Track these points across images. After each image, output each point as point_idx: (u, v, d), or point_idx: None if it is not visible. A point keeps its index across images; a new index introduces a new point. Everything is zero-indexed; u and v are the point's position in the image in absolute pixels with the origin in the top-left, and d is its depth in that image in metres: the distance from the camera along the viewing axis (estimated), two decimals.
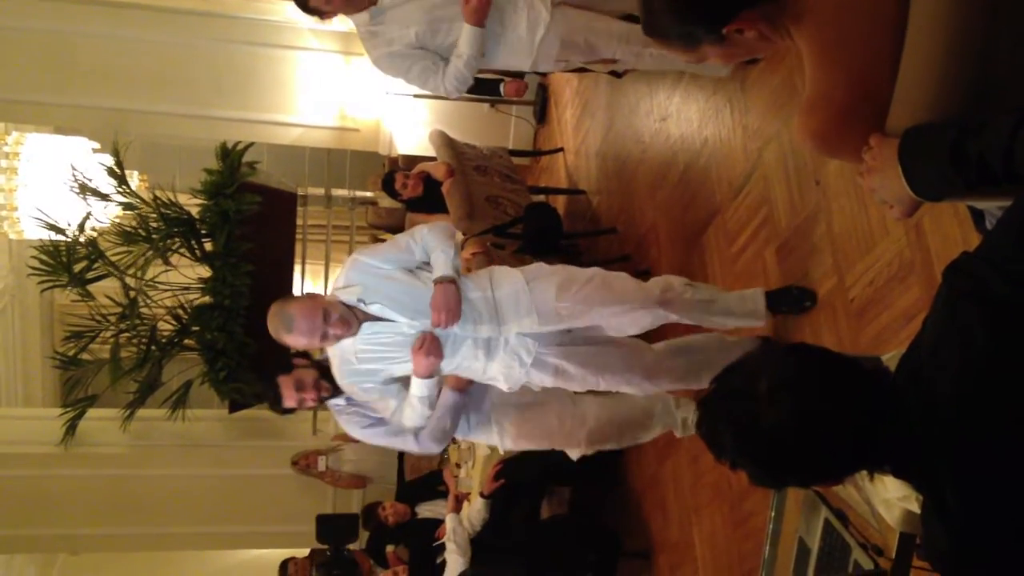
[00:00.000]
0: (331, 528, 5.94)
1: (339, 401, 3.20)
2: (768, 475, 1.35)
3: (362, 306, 2.93)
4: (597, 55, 3.67)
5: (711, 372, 1.44)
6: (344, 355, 2.97)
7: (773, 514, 2.22)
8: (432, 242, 3.02)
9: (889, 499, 1.66)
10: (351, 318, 2.90)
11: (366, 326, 2.94)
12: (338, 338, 2.89)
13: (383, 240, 7.02)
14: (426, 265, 3.04)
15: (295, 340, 2.89)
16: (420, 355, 2.90)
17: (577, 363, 3.14)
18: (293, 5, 3.47)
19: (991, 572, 1.22)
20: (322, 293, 4.80)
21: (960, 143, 1.33)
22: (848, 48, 1.45)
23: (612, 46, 3.59)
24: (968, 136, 1.33)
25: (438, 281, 2.93)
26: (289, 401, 3.12)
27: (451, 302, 2.90)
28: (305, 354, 3.20)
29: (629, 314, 3.11)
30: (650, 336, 3.38)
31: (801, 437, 1.27)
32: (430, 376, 2.96)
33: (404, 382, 3.04)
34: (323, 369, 3.12)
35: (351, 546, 5.92)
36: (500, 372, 3.08)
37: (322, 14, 3.39)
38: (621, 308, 3.09)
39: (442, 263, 2.96)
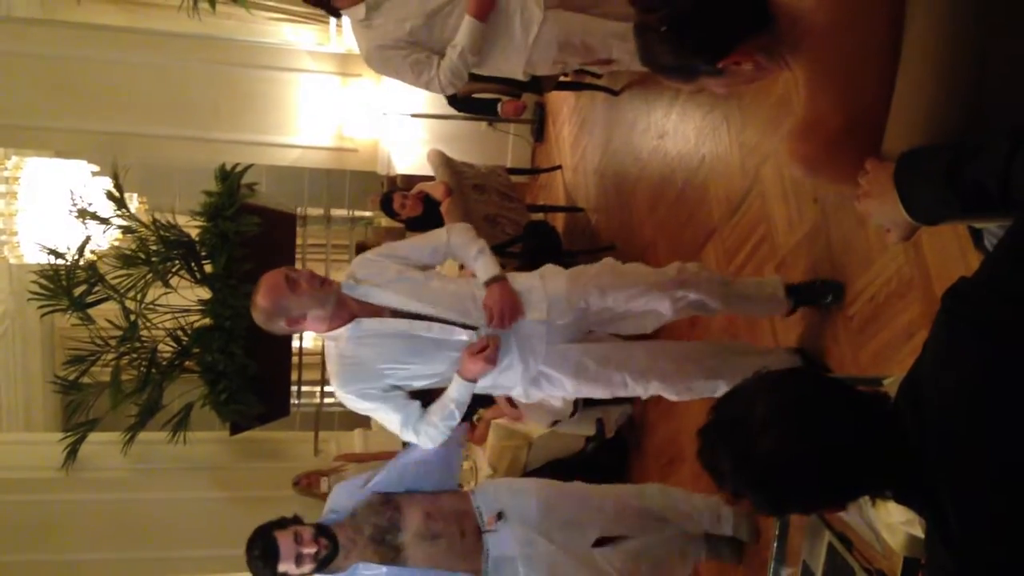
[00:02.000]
0: None
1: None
2: (769, 502, 1.34)
3: (360, 291, 2.78)
4: (594, 56, 3.67)
5: (740, 376, 1.43)
6: (339, 352, 2.77)
7: (777, 538, 2.21)
8: (461, 241, 2.92)
9: (893, 523, 1.65)
10: (326, 285, 2.72)
11: (368, 322, 2.76)
12: (315, 298, 2.68)
13: None
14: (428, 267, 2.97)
15: (278, 326, 2.74)
16: (478, 359, 2.71)
17: (597, 358, 2.94)
18: (290, 28, 3.50)
19: None
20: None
21: (956, 167, 1.33)
22: (843, 75, 1.45)
23: (609, 46, 3.59)
24: (964, 160, 1.33)
25: (491, 281, 2.82)
26: (286, 557, 2.86)
27: (511, 300, 2.79)
28: (297, 519, 3.00)
29: (645, 295, 2.94)
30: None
31: (798, 463, 1.27)
32: (475, 380, 2.78)
33: (406, 392, 2.85)
34: (321, 527, 2.97)
35: None
36: (518, 372, 2.88)
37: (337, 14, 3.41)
38: (636, 290, 2.94)
39: (486, 263, 2.86)
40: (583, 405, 4.14)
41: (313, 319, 2.72)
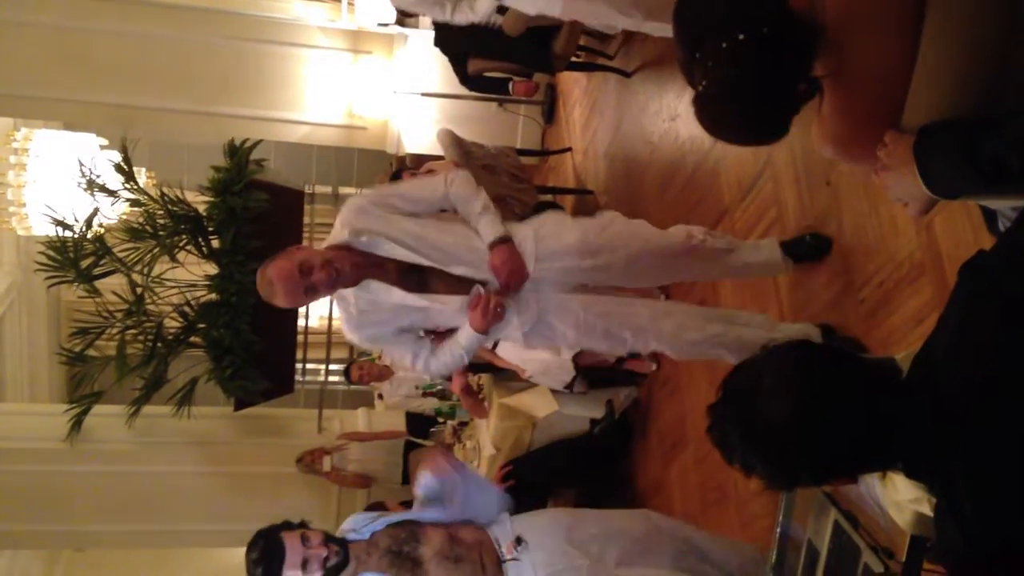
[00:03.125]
0: None
1: None
2: (779, 473, 1.33)
3: (364, 241, 2.75)
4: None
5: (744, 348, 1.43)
6: (347, 305, 2.81)
7: (781, 516, 2.20)
8: (464, 194, 2.87)
9: (900, 501, 1.64)
10: (344, 263, 2.71)
11: (376, 286, 2.76)
12: (327, 285, 2.69)
13: None
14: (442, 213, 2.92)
15: (284, 303, 2.74)
16: (479, 314, 2.71)
17: (598, 313, 2.92)
18: (300, 3, 3.44)
19: (1005, 573, 1.21)
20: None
21: (976, 141, 1.32)
22: (867, 54, 1.44)
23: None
24: (985, 134, 1.32)
25: (497, 243, 2.78)
26: (292, 560, 2.58)
27: (519, 264, 2.79)
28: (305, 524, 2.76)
29: (650, 256, 2.98)
30: None
31: (806, 431, 1.26)
32: (485, 332, 2.79)
33: (416, 333, 2.92)
34: (330, 535, 2.73)
35: None
36: (514, 323, 2.88)
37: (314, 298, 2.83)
38: (640, 253, 2.95)
39: (491, 222, 2.82)
40: (589, 386, 4.14)
41: (322, 295, 2.79)
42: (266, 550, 2.61)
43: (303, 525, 2.74)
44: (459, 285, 2.80)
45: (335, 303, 2.87)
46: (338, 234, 2.81)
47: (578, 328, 2.91)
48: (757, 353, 1.39)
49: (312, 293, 2.70)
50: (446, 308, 2.80)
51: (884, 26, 1.45)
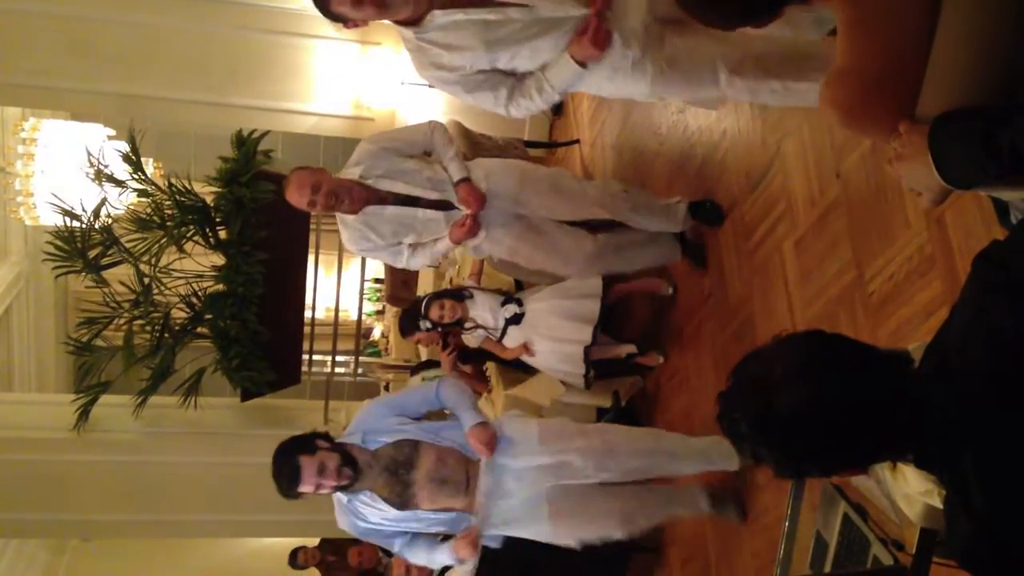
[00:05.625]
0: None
1: (342, 497, 3.20)
2: (788, 462, 1.33)
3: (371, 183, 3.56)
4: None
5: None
6: (345, 227, 3.68)
7: (790, 509, 2.19)
8: (441, 140, 3.73)
9: (910, 494, 1.63)
10: (348, 197, 3.53)
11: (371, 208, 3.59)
12: (323, 207, 3.55)
13: None
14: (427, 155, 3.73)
15: (289, 198, 3.59)
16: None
17: (530, 245, 3.90)
18: None
19: (1017, 565, 1.20)
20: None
21: (992, 130, 1.31)
22: (882, 21, 1.43)
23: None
24: (1000, 124, 1.30)
25: (461, 181, 3.63)
26: (307, 484, 3.04)
27: (477, 194, 3.63)
28: (327, 436, 3.19)
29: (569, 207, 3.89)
30: None
31: (817, 421, 1.26)
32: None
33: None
34: (345, 455, 3.12)
35: None
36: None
37: (346, 21, 2.69)
38: (564, 207, 3.89)
39: (458, 166, 3.67)
40: (595, 377, 4.13)
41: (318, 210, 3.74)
42: (285, 469, 3.04)
43: (323, 438, 3.14)
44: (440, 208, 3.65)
45: (339, 226, 3.71)
46: (351, 171, 3.60)
47: (511, 255, 3.97)
48: (770, 342, 1.39)
49: (311, 206, 3.56)
50: (431, 219, 3.64)
51: None
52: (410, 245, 3.75)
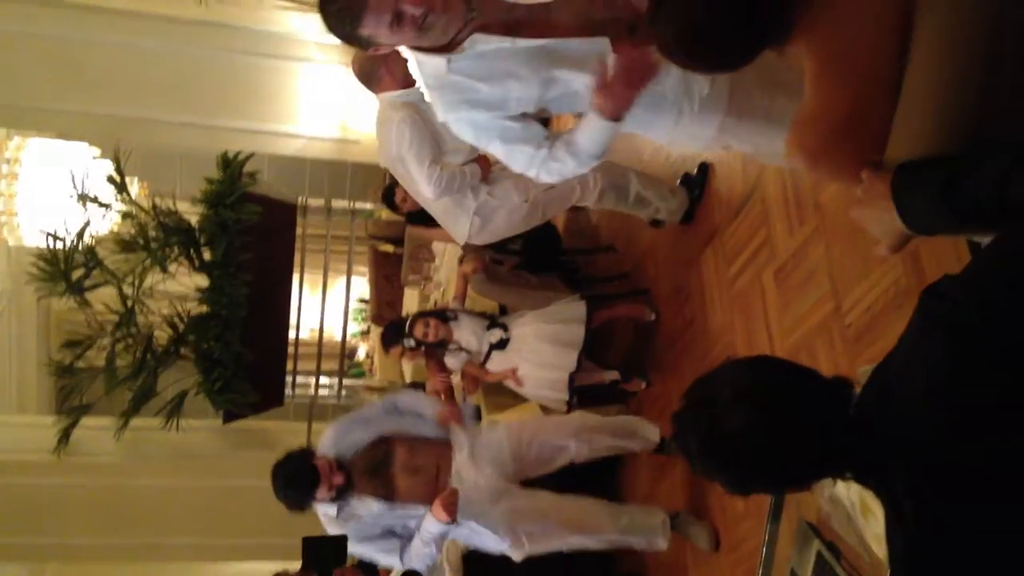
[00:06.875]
0: (317, 551, 5.90)
1: (330, 511, 3.42)
2: (735, 481, 1.39)
3: None
4: None
5: None
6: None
7: (766, 541, 2.20)
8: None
9: (881, 533, 1.64)
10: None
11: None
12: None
13: (384, 251, 7.02)
14: None
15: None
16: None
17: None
18: (297, 17, 3.40)
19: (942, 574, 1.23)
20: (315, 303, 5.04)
21: (953, 180, 1.33)
22: (851, 67, 1.45)
23: None
24: (962, 173, 1.33)
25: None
26: (323, 487, 3.33)
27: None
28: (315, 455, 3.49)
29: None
30: None
31: (761, 443, 1.32)
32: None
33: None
34: (337, 460, 3.40)
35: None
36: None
37: (370, 46, 2.11)
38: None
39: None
40: (578, 403, 4.14)
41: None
42: (300, 472, 3.31)
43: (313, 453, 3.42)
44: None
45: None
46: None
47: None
48: (721, 365, 1.43)
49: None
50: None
51: (870, 41, 1.46)
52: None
